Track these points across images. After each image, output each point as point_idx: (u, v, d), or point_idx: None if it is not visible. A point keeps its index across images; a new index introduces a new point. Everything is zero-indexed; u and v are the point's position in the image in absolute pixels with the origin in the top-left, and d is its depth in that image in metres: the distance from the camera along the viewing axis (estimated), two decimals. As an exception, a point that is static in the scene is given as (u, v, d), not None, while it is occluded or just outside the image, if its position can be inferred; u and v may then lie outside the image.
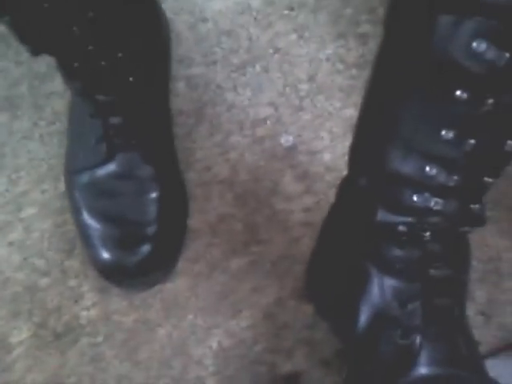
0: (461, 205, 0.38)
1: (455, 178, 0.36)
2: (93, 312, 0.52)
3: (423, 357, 0.40)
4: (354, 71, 0.67)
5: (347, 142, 0.61)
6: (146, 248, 0.48)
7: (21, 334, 0.51)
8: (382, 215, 0.40)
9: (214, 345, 0.51)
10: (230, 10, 0.70)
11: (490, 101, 0.31)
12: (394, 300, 0.42)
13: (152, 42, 0.53)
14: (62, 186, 0.57)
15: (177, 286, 0.53)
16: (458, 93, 0.31)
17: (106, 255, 0.48)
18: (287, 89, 0.66)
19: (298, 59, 0.67)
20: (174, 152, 0.55)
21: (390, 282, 0.42)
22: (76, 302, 0.53)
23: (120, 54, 0.46)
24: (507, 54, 0.29)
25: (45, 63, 0.65)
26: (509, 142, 0.34)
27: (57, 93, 0.63)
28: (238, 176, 0.60)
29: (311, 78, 0.66)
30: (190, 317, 0.52)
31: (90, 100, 0.48)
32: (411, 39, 0.33)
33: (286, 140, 0.63)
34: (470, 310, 0.52)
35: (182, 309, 0.52)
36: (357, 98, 0.64)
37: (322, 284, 0.49)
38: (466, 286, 0.44)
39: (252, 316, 0.51)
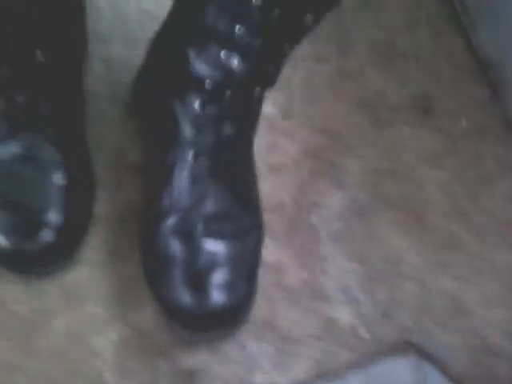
0: (260, 66, 0.44)
1: (260, 40, 0.41)
2: (-16, 298, 0.49)
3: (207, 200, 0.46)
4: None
5: (265, 138, 0.61)
6: (47, 235, 0.45)
7: None
8: (193, 67, 0.44)
9: (115, 337, 0.49)
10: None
11: None
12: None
13: (67, 12, 0.50)
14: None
15: (78, 274, 0.51)
16: None
17: (3, 241, 0.45)
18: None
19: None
20: (84, 135, 0.52)
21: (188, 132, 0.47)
22: (-34, 287, 0.49)
23: (29, 21, 0.43)
24: None
25: None
26: (308, 15, 0.40)
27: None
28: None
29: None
30: (91, 307, 0.50)
31: None
32: None
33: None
34: (371, 309, 0.54)
35: (83, 298, 0.50)
36: (276, 95, 0.64)
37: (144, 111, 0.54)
38: (252, 142, 0.51)
39: (156, 309, 0.50)
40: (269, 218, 0.56)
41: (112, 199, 0.54)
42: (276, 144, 0.61)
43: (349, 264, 0.56)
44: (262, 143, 0.60)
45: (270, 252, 0.55)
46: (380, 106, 0.67)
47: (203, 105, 0.46)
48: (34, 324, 0.49)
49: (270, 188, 0.58)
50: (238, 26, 0.41)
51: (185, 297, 0.45)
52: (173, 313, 0.46)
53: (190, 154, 0.47)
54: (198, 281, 0.45)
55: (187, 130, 0.47)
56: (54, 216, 0.46)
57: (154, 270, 0.48)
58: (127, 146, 0.57)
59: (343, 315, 0.54)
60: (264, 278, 0.53)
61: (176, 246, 0.46)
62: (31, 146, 0.46)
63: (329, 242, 0.57)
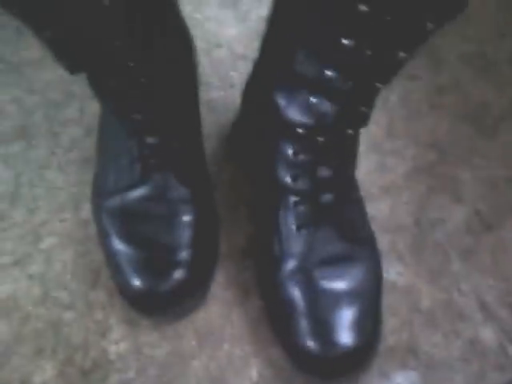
0: (352, 108, 0.40)
1: (350, 83, 0.38)
2: (122, 346, 0.46)
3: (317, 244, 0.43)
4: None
5: (372, 159, 0.58)
6: (179, 274, 0.43)
7: (45, 373, 0.45)
8: (284, 115, 0.42)
9: (254, 375, 0.45)
10: (244, 35, 0.67)
11: (388, 16, 0.33)
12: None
13: (185, 59, 0.50)
14: (83, 215, 0.52)
15: (210, 313, 0.48)
16: (361, 7, 0.33)
17: (136, 282, 0.43)
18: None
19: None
20: (207, 173, 0.50)
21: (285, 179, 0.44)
22: (103, 335, 0.47)
23: (159, 71, 0.42)
24: None
25: (60, 91, 0.61)
26: (401, 53, 0.36)
27: (73, 120, 0.59)
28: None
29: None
30: (226, 346, 0.47)
31: (126, 120, 0.44)
32: None
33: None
34: None
35: (217, 338, 0.47)
36: (377, 117, 0.61)
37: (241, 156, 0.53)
38: (352, 179, 0.47)
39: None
40: (392, 240, 0.52)
41: (233, 235, 0.52)
42: (384, 164, 0.57)
43: (484, 279, 0.50)
44: (370, 165, 0.57)
45: (399, 275, 0.50)
46: (483, 115, 0.62)
47: (297, 152, 0.43)
48: (173, 368, 0.46)
49: (387, 209, 0.54)
50: (328, 71, 0.38)
51: (311, 343, 0.41)
52: (300, 360, 0.42)
53: (290, 201, 0.44)
54: (323, 325, 0.41)
55: (284, 177, 0.44)
56: (184, 254, 0.43)
57: (277, 316, 0.44)
58: (240, 183, 0.55)
59: (487, 334, 0.48)
60: (399, 302, 0.48)
61: (296, 292, 0.43)
62: (162, 186, 0.44)
63: (459, 258, 0.51)
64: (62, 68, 0.39)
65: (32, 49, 0.65)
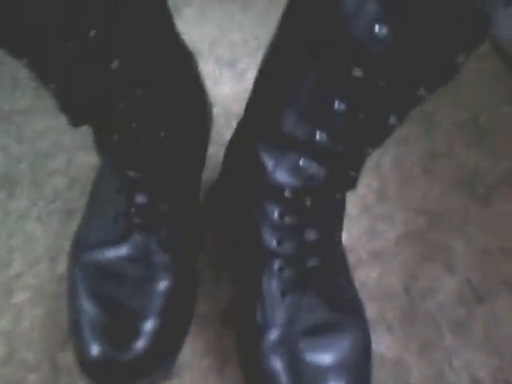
0: (341, 171, 0.39)
1: (340, 146, 0.37)
2: (87, 415, 0.42)
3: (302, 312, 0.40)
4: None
5: (363, 223, 0.55)
6: (141, 344, 0.39)
7: None
8: (271, 176, 0.40)
9: None
10: (239, 94, 0.66)
11: (382, 82, 0.32)
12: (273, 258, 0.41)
13: (196, 124, 0.48)
14: (59, 268, 0.50)
15: (184, 382, 0.44)
16: (355, 71, 0.32)
17: (93, 350, 0.38)
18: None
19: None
20: (195, 239, 0.47)
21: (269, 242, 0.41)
22: (68, 402, 0.43)
23: (162, 134, 0.41)
24: (404, 39, 0.30)
25: (49, 141, 0.60)
26: (393, 117, 0.35)
27: (59, 171, 0.57)
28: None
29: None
30: (200, 419, 0.43)
31: (119, 175, 0.41)
32: (317, 12, 0.33)
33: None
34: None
35: (191, 410, 0.43)
36: (368, 180, 0.59)
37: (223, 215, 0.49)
38: (339, 243, 0.45)
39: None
40: (380, 309, 0.49)
41: (214, 297, 0.49)
42: (375, 229, 0.55)
43: (477, 355, 0.47)
44: (360, 229, 0.55)
45: (387, 347, 0.47)
46: (476, 183, 0.60)
47: (283, 215, 0.40)
48: None
49: (376, 275, 0.51)
50: (318, 133, 0.36)
51: None
52: None
53: (274, 266, 0.41)
54: None
55: (269, 241, 0.41)
56: (151, 323, 0.40)
57: None
58: (226, 241, 0.52)
59: (480, 415, 0.44)
60: (387, 376, 0.45)
61: (279, 364, 0.39)
62: (143, 248, 0.41)
63: (451, 331, 0.48)
64: (66, 119, 0.38)
65: (25, 97, 0.64)
